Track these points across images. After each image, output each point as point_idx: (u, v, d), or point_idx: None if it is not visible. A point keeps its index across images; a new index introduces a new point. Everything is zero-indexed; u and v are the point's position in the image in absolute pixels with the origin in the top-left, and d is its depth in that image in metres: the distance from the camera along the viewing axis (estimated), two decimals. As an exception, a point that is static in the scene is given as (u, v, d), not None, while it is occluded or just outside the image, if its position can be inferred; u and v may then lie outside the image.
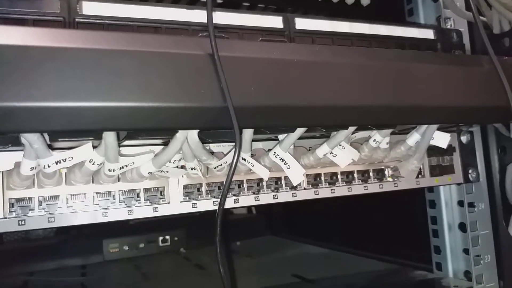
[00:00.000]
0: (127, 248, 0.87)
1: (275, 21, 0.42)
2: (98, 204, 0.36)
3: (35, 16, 0.33)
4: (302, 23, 0.43)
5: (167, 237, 0.91)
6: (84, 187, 0.35)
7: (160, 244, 0.90)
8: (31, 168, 0.30)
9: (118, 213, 0.37)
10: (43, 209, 0.34)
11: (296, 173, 0.36)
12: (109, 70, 0.27)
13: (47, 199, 0.35)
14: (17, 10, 0.33)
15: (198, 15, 0.37)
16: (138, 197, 0.37)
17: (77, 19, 0.34)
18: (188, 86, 0.29)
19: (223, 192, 0.29)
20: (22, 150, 0.32)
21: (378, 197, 0.47)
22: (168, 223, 0.91)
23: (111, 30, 0.35)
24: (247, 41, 0.36)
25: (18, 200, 0.34)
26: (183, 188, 0.38)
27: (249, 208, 1.04)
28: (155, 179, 0.37)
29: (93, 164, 0.31)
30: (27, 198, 0.34)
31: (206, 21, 0.30)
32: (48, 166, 0.30)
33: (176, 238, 0.91)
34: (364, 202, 0.52)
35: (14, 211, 0.34)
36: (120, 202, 0.37)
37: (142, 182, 0.37)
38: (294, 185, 0.38)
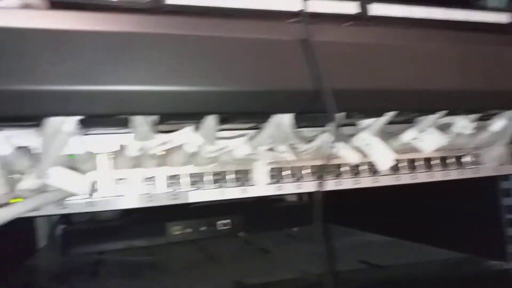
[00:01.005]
0: (189, 231, 0.90)
1: (350, 7, 0.41)
2: (192, 185, 0.38)
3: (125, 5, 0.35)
4: (378, 9, 0.42)
5: (227, 221, 0.93)
6: (179, 168, 0.37)
7: (220, 227, 0.92)
8: (137, 150, 0.32)
9: (210, 194, 0.38)
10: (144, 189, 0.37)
11: (384, 158, 0.36)
12: (215, 57, 0.28)
13: (145, 180, 0.37)
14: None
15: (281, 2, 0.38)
16: (226, 179, 0.39)
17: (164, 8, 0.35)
18: (284, 71, 0.30)
19: (321, 175, 0.29)
20: (124, 133, 0.34)
21: (442, 185, 0.46)
22: (227, 207, 0.93)
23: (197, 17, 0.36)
24: (336, 26, 0.36)
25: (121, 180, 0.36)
26: (269, 171, 0.39)
27: (305, 194, 1.05)
28: (242, 162, 0.38)
29: (192, 146, 0.33)
30: (128, 179, 0.36)
31: (289, 9, 0.31)
32: (153, 148, 0.32)
33: (235, 222, 0.93)
34: (424, 190, 0.51)
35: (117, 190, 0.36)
36: (212, 183, 0.38)
37: (231, 165, 0.38)
38: (381, 170, 0.38)
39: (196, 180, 0.38)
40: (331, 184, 0.41)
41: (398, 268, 0.59)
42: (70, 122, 0.27)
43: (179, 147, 0.33)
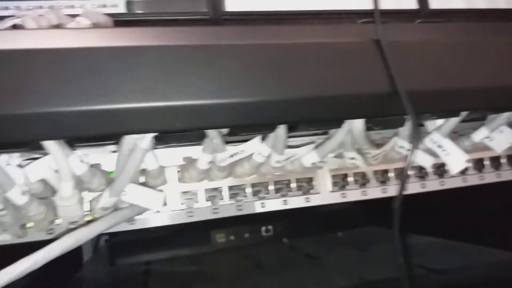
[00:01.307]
0: (233, 238, 0.90)
1: (408, 2, 0.40)
2: (256, 195, 0.37)
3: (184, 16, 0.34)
4: (437, 2, 0.41)
5: (270, 227, 0.92)
6: (243, 179, 0.37)
7: (263, 234, 0.92)
8: (208, 162, 0.31)
9: (274, 204, 0.37)
10: (209, 201, 0.36)
11: (457, 160, 0.34)
12: (284, 64, 0.28)
13: (210, 191, 0.36)
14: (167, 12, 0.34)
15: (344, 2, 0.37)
16: (289, 187, 0.38)
17: (223, 16, 0.35)
18: (356, 74, 0.29)
19: (403, 178, 0.28)
20: (187, 145, 0.34)
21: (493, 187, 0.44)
22: (269, 213, 0.92)
23: (261, 24, 0.35)
24: (403, 23, 0.35)
25: (186, 193, 0.36)
26: (332, 178, 0.38)
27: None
28: (304, 170, 0.37)
29: (261, 156, 0.32)
30: (193, 191, 0.36)
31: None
32: (223, 160, 0.31)
33: (278, 228, 0.92)
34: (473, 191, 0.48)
35: (184, 203, 0.36)
36: (274, 193, 0.37)
37: (292, 174, 0.37)
38: (454, 173, 0.36)
39: (259, 190, 0.37)
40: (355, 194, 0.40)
41: (460, 272, 0.57)
42: (147, 139, 0.27)
43: (246, 158, 0.33)
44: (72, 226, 0.33)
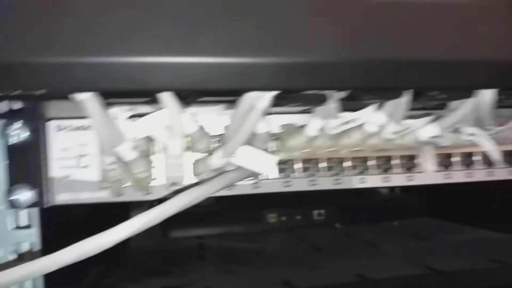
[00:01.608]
0: (284, 219, 0.89)
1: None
2: (354, 170, 0.35)
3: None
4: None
5: (322, 211, 0.90)
6: (341, 152, 0.34)
7: (315, 217, 0.90)
8: (318, 129, 0.30)
9: (374, 180, 0.35)
10: (306, 172, 0.34)
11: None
12: (414, 24, 0.25)
13: (307, 162, 0.34)
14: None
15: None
16: (390, 164, 0.35)
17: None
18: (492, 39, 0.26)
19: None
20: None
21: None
22: (322, 197, 0.90)
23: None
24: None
25: (284, 162, 0.34)
26: (436, 157, 0.36)
27: (404, 187, 1.00)
28: (411, 146, 0.35)
29: (374, 125, 0.30)
30: (291, 161, 0.34)
31: None
32: (335, 127, 0.29)
33: (331, 213, 0.90)
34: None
35: (281, 172, 0.34)
36: (375, 168, 0.35)
37: (395, 150, 0.35)
38: (496, 162, 0.33)
39: (357, 164, 0.35)
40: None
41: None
42: (266, 98, 0.25)
43: (356, 128, 0.31)
44: (173, 188, 0.32)
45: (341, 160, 0.35)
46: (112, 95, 0.25)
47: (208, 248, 0.75)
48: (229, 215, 0.86)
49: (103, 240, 0.23)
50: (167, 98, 0.25)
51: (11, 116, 0.31)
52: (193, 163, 0.31)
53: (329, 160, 0.35)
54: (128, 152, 0.27)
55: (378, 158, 0.35)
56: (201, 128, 0.29)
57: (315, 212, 0.89)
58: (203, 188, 0.26)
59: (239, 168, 0.29)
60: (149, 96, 0.25)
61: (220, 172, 0.30)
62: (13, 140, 0.31)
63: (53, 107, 0.31)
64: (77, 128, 0.32)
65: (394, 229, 0.85)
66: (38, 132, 0.32)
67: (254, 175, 0.30)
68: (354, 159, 0.35)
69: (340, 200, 0.89)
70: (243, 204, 0.87)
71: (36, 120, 0.32)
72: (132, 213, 0.52)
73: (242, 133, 0.27)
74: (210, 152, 0.31)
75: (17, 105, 0.32)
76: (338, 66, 0.24)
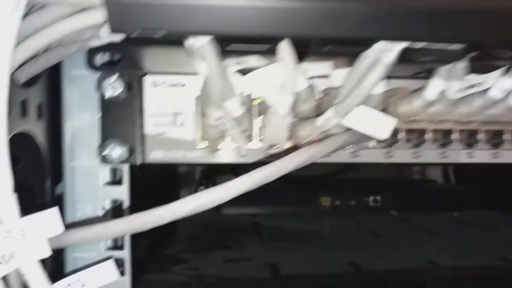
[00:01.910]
0: (338, 203, 0.86)
1: None
2: (462, 143, 0.32)
3: None
4: None
5: (378, 197, 0.87)
6: (448, 123, 0.32)
7: (371, 203, 0.87)
8: (438, 93, 0.27)
9: (483, 156, 0.32)
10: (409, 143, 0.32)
11: None
12: None
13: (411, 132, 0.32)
14: None
15: None
16: (501, 139, 0.32)
17: None
18: None
19: None
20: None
21: None
22: (377, 183, 0.88)
23: None
24: None
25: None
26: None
27: (462, 178, 0.95)
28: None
29: (501, 91, 0.27)
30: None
31: None
32: (458, 91, 0.26)
33: (386, 199, 0.87)
34: None
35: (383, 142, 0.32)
36: (485, 143, 0.32)
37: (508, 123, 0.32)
38: None
39: (465, 137, 0.32)
40: None
41: None
42: (395, 52, 0.23)
43: (477, 94, 0.28)
44: (271, 151, 0.30)
45: (448, 132, 0.32)
46: (229, 42, 0.23)
47: (262, 226, 0.74)
48: (281, 196, 0.85)
49: (216, 195, 0.22)
50: (285, 48, 0.23)
51: (107, 69, 0.31)
52: (294, 125, 0.29)
53: (434, 132, 0.32)
54: (237, 107, 0.26)
55: (487, 131, 0.32)
56: (310, 86, 0.27)
57: (371, 198, 0.87)
58: (317, 148, 0.24)
59: (351, 130, 0.26)
60: (269, 44, 0.23)
61: (325, 135, 0.28)
62: (109, 94, 0.30)
63: (150, 61, 0.30)
64: (174, 85, 0.31)
65: (456, 220, 0.81)
66: (134, 87, 0.31)
67: (366, 139, 0.28)
68: (461, 131, 0.32)
69: (396, 187, 0.86)
70: (296, 185, 0.85)
71: (132, 75, 0.31)
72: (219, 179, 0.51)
73: (361, 91, 0.24)
74: (311, 114, 0.29)
75: (115, 57, 0.31)
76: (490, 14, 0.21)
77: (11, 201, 0.23)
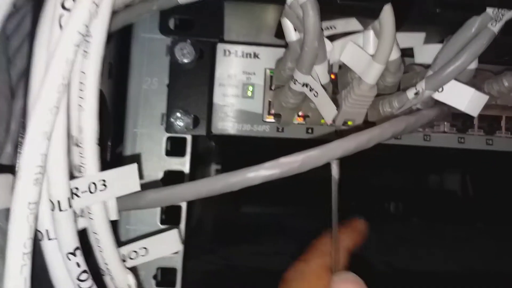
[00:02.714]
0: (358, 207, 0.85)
1: None
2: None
3: None
4: None
5: (400, 203, 0.86)
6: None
7: (392, 209, 0.86)
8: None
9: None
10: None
11: None
12: None
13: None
14: None
15: None
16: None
17: None
18: None
19: None
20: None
21: None
22: (398, 190, 0.87)
23: None
24: None
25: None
26: None
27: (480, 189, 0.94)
28: None
29: None
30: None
31: None
32: None
33: (408, 207, 0.86)
34: None
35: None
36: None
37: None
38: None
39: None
40: None
41: None
42: (503, 20, 0.22)
43: None
44: (344, 127, 0.29)
45: (499, 119, 0.31)
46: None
47: (284, 226, 0.73)
48: (301, 196, 0.84)
49: (315, 154, 0.21)
50: (389, 12, 0.22)
51: (179, 34, 0.30)
52: (379, 101, 0.28)
53: (508, 119, 0.31)
54: (325, 74, 0.25)
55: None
56: (401, 57, 0.26)
57: (392, 204, 0.86)
58: (413, 119, 0.23)
59: (441, 105, 0.25)
60: (373, 4, 0.22)
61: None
62: (178, 60, 0.29)
63: (225, 28, 0.29)
64: (246, 55, 0.30)
65: (480, 231, 0.81)
66: (206, 54, 0.30)
67: (449, 118, 0.27)
68: (508, 118, 0.31)
69: (417, 194, 0.86)
70: (315, 189, 0.84)
71: (205, 42, 0.30)
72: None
73: (459, 63, 0.23)
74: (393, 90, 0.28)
75: (187, 23, 0.30)
76: None
77: (95, 153, 0.21)
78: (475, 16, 0.22)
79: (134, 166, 0.22)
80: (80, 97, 0.20)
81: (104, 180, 0.21)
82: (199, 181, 0.21)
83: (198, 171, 0.32)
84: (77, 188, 0.21)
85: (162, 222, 0.31)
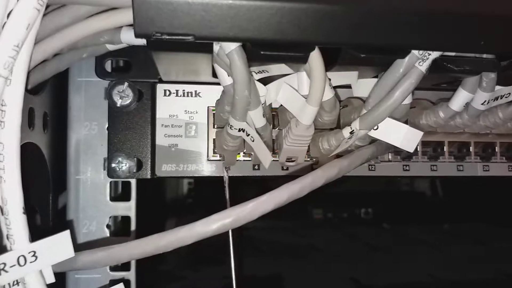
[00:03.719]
0: (330, 215, 0.87)
1: None
2: (478, 156, 0.32)
3: None
4: None
5: (370, 209, 0.88)
6: (463, 136, 0.31)
7: (362, 215, 0.88)
8: (464, 105, 0.26)
9: (500, 169, 0.32)
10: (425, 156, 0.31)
11: None
12: None
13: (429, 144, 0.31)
14: None
15: None
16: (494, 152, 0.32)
17: None
18: None
19: None
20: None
21: None
22: (369, 196, 0.88)
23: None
24: None
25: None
26: None
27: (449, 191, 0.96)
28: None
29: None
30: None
31: None
32: (484, 103, 0.26)
33: (378, 212, 0.88)
34: None
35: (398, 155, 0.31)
36: (500, 157, 0.32)
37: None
38: None
39: (479, 151, 0.32)
40: None
41: None
42: (429, 61, 0.22)
43: (503, 105, 0.27)
44: (288, 164, 0.29)
45: (464, 145, 0.32)
46: (261, 48, 0.22)
47: (256, 240, 0.73)
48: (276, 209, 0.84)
49: (246, 211, 0.21)
50: (317, 56, 0.22)
51: (118, 76, 0.29)
52: (318, 138, 0.28)
53: (451, 144, 0.32)
54: (259, 118, 0.25)
55: (502, 144, 0.32)
56: (335, 96, 0.26)
57: (363, 210, 0.87)
58: (347, 161, 0.23)
59: (378, 142, 0.26)
60: (299, 52, 0.22)
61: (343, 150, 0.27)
62: (117, 102, 0.28)
63: (163, 69, 0.29)
64: (188, 94, 0.30)
65: (448, 232, 0.82)
66: (145, 95, 0.29)
67: (388, 151, 0.27)
68: (476, 144, 0.32)
69: (387, 199, 0.87)
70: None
71: (142, 83, 0.29)
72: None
73: (391, 102, 0.24)
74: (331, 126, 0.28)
75: (124, 65, 0.29)
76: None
77: (23, 224, 0.21)
78: (400, 59, 0.23)
79: (67, 233, 0.21)
80: (0, 169, 0.19)
81: (34, 251, 0.21)
82: (130, 243, 0.21)
83: (149, 214, 0.31)
84: (4, 264, 0.20)
85: (112, 269, 0.30)
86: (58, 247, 0.21)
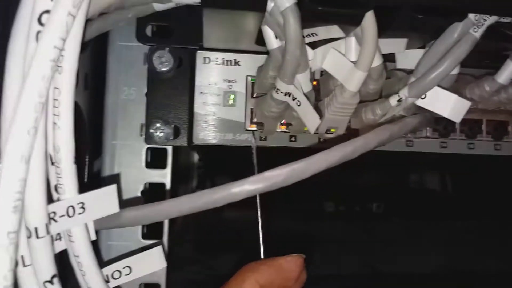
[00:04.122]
0: (343, 209, 0.86)
1: None
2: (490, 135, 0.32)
3: None
4: None
5: (381, 203, 0.87)
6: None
7: (374, 209, 0.87)
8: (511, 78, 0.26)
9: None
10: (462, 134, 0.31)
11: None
12: None
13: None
14: None
15: None
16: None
17: None
18: None
19: None
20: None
21: None
22: (381, 190, 0.88)
23: None
24: None
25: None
26: None
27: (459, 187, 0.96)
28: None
29: None
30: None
31: None
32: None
33: (389, 206, 0.87)
34: None
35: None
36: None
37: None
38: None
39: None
40: None
41: None
42: (485, 25, 0.22)
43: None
44: (328, 135, 0.29)
45: (501, 124, 0.31)
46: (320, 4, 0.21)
47: (268, 231, 0.72)
48: (284, 201, 0.84)
49: (298, 168, 0.20)
50: (371, 19, 0.22)
51: (157, 41, 0.29)
52: (361, 108, 0.27)
53: (488, 122, 0.31)
54: (307, 82, 0.24)
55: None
56: (384, 63, 0.25)
57: (375, 204, 0.86)
58: (397, 127, 0.23)
59: (422, 114, 0.25)
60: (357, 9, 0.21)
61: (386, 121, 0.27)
62: (157, 68, 0.28)
63: (207, 32, 0.28)
64: (227, 62, 0.30)
65: (458, 228, 0.82)
66: (185, 62, 0.29)
67: (429, 125, 0.27)
68: (489, 122, 0.32)
69: (400, 194, 0.87)
70: (297, 189, 0.84)
71: (182, 49, 0.29)
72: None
73: (444, 68, 0.23)
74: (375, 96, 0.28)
75: (165, 31, 0.29)
76: None
77: (73, 174, 0.20)
78: (457, 22, 0.22)
79: (113, 187, 0.21)
80: (55, 114, 0.19)
81: (82, 203, 0.20)
82: (181, 198, 0.20)
83: (181, 183, 0.31)
84: (54, 213, 0.20)
85: (144, 237, 0.30)
86: (104, 201, 0.21)
